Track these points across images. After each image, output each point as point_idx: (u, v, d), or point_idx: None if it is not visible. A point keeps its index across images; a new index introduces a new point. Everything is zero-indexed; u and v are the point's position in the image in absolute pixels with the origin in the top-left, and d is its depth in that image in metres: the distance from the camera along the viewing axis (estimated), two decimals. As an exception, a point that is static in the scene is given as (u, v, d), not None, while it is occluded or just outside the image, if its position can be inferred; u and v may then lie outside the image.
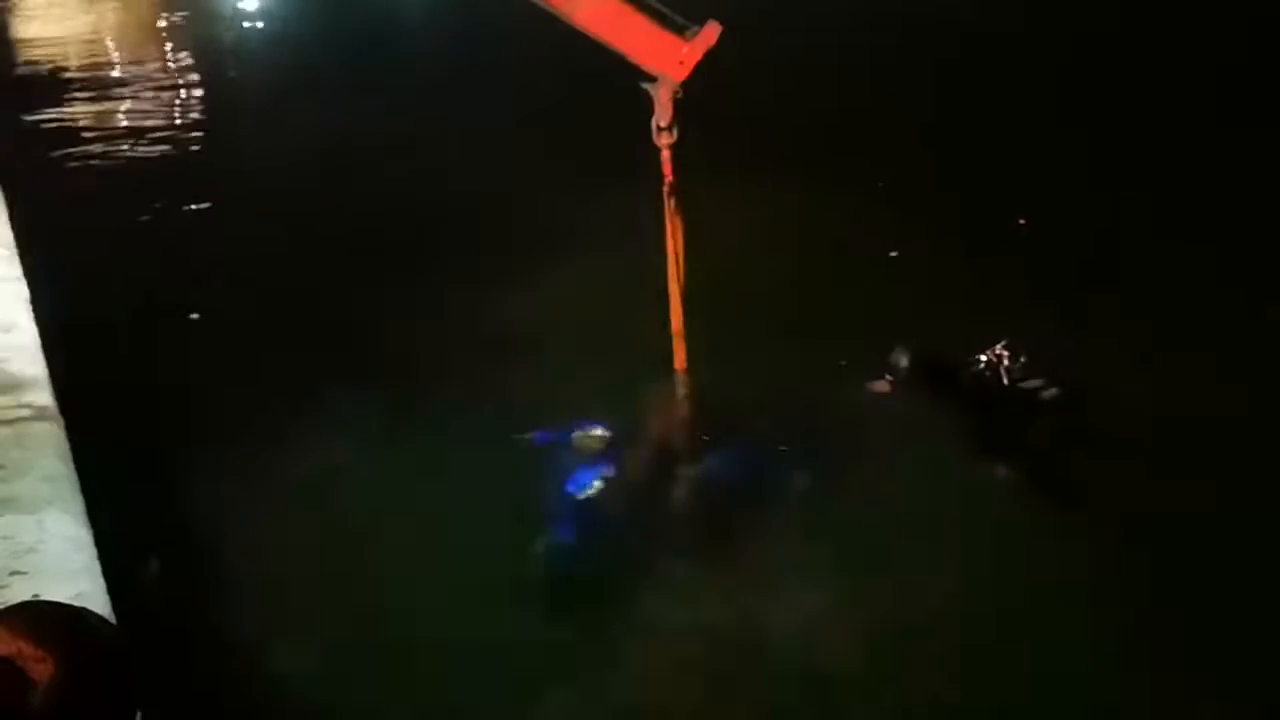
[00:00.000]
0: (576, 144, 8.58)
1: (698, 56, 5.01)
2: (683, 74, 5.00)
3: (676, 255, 5.30)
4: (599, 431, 5.40)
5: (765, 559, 4.76)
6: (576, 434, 5.40)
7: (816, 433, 5.47)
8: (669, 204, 5.20)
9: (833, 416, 5.55)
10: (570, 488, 5.13)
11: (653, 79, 5.01)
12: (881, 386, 5.42)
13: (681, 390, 5.68)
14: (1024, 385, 5.30)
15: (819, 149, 8.60)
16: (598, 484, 5.13)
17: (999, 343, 5.36)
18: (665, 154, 5.09)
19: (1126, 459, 5.15)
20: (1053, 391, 5.28)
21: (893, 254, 7.21)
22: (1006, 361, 5.31)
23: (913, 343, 5.42)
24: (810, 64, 10.30)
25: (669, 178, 5.15)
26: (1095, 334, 6.15)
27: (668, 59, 4.98)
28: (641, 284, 5.82)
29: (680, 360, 5.55)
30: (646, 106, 5.15)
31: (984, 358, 5.35)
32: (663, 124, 5.03)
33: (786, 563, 4.72)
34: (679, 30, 5.02)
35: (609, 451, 5.33)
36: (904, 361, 5.35)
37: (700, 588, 4.64)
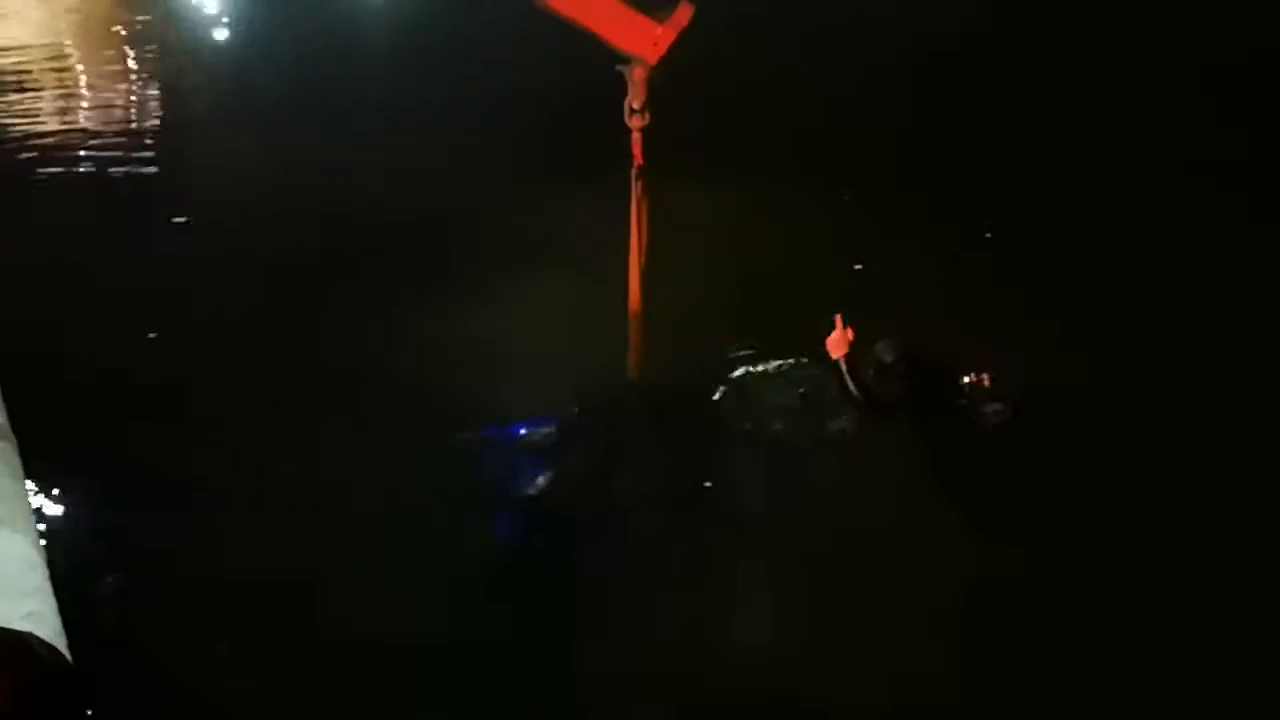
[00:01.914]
0: (544, 152, 8.64)
1: (671, 38, 5.00)
2: (656, 55, 4.99)
3: (640, 238, 5.28)
4: (547, 429, 5.48)
5: (711, 556, 4.88)
6: (525, 431, 5.49)
7: (767, 435, 5.61)
8: (637, 186, 5.19)
9: (783, 421, 5.68)
10: (518, 484, 5.23)
11: (627, 61, 5.00)
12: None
13: (633, 388, 5.72)
14: (984, 408, 5.39)
15: (786, 157, 8.63)
16: (545, 480, 5.23)
17: (985, 372, 5.43)
18: (636, 136, 5.09)
19: (1069, 480, 5.26)
20: (1005, 414, 5.38)
21: (857, 267, 7.25)
22: (986, 386, 5.39)
23: (899, 341, 5.47)
24: (788, 69, 10.30)
25: (639, 160, 5.14)
26: (1057, 352, 6.18)
27: (641, 40, 4.97)
28: (601, 293, 5.91)
29: (635, 342, 5.54)
30: (620, 95, 5.10)
31: (968, 379, 5.41)
32: (636, 106, 5.02)
33: (733, 560, 4.85)
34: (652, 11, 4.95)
35: (557, 448, 5.42)
36: (889, 357, 5.37)
37: (647, 584, 4.74)
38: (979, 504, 5.19)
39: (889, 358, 5.37)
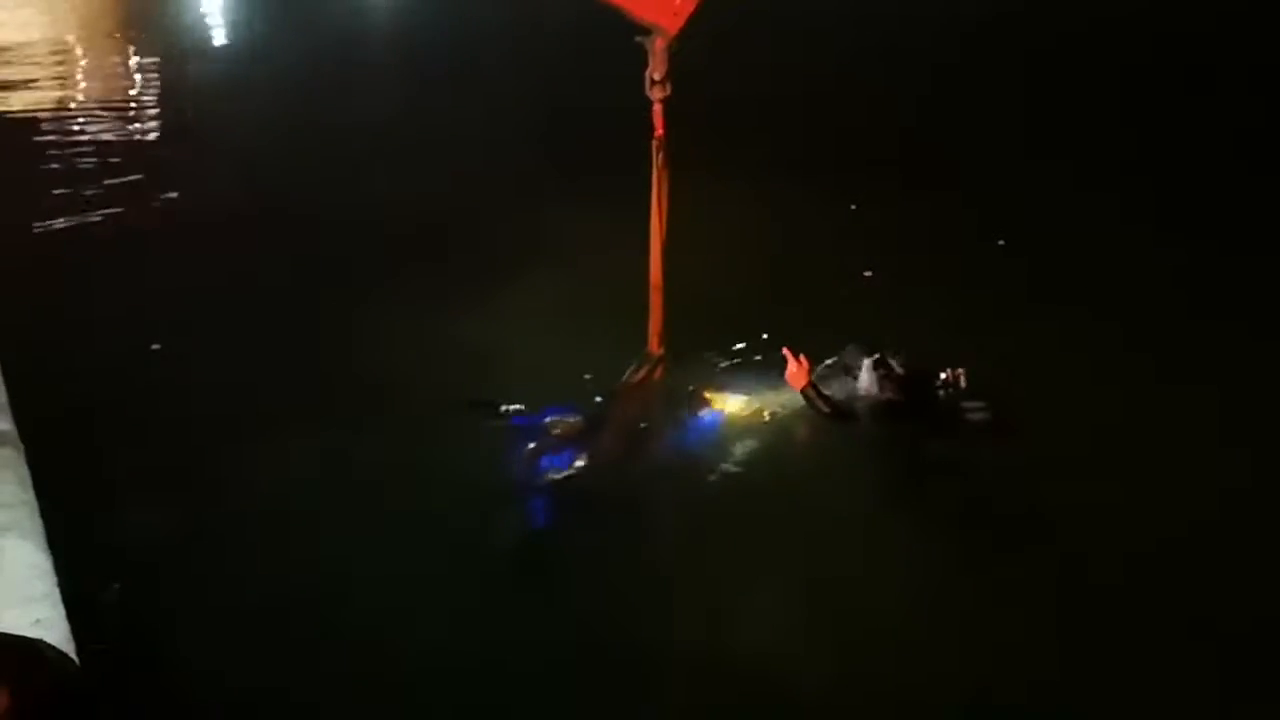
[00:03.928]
0: (550, 157, 8.75)
1: (691, 8, 4.95)
2: (677, 25, 4.93)
3: (660, 209, 5.27)
4: (572, 416, 5.55)
5: (727, 543, 4.94)
6: (550, 419, 5.54)
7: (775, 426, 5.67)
8: (657, 158, 5.17)
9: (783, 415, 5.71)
10: (544, 471, 5.26)
11: (647, 32, 4.93)
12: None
13: (653, 367, 5.71)
14: (965, 406, 5.45)
15: (801, 162, 8.68)
16: (572, 467, 5.28)
17: (959, 368, 5.49)
18: (657, 107, 5.06)
19: (1046, 487, 5.23)
20: (985, 415, 5.43)
21: (867, 273, 7.27)
22: (962, 384, 5.45)
23: (867, 344, 5.54)
24: (801, 78, 10.32)
25: (659, 131, 5.10)
26: (1055, 361, 6.16)
27: (661, 10, 4.91)
28: (612, 292, 6.02)
29: (656, 315, 5.54)
30: (639, 68, 5.04)
31: (943, 375, 5.48)
32: (656, 77, 4.96)
33: (748, 548, 4.91)
34: (673, -19, 4.88)
35: (582, 435, 5.47)
36: (860, 360, 5.44)
37: (672, 570, 4.79)
38: (961, 501, 5.18)
39: (860, 363, 5.45)
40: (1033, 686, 4.21)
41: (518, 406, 5.59)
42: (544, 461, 5.28)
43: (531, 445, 5.37)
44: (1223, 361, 6.15)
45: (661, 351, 5.63)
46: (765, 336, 6.18)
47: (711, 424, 5.69)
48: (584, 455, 5.31)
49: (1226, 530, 4.94)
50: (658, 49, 4.89)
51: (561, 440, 5.41)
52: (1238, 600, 4.56)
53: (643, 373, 5.66)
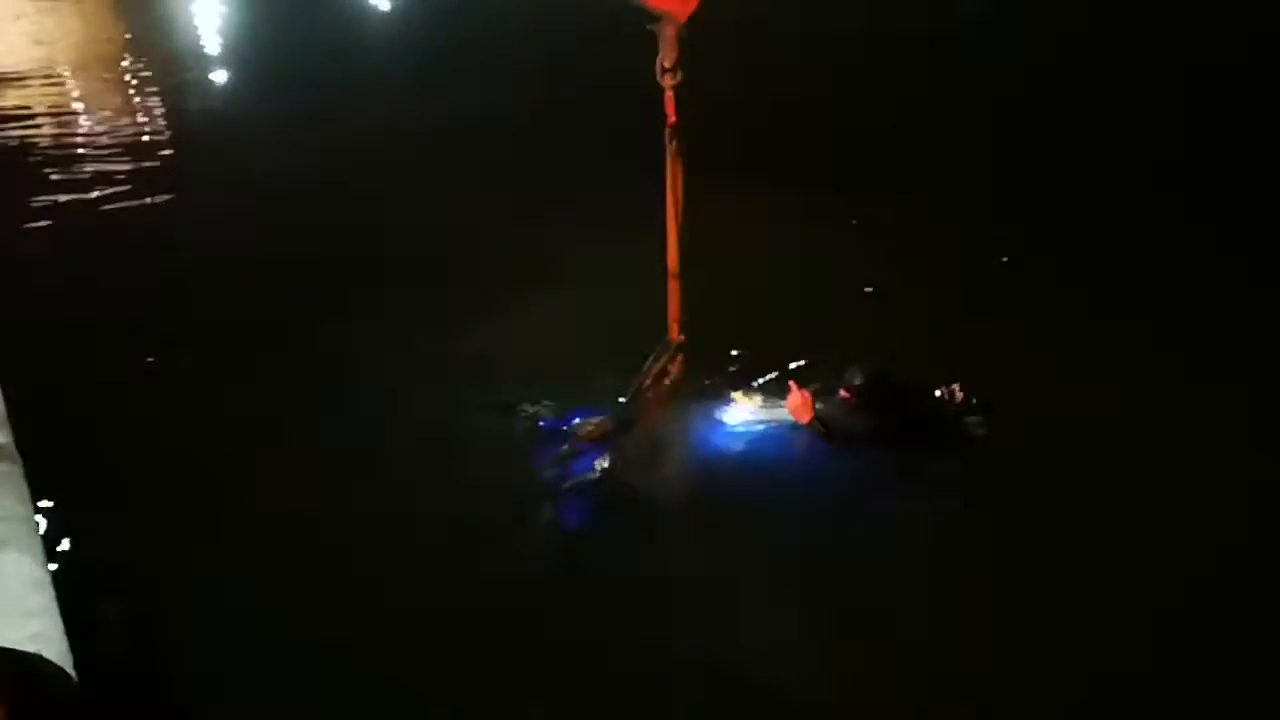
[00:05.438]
0: (546, 175, 8.73)
1: None
2: (686, 12, 4.87)
3: (676, 196, 5.25)
4: (598, 418, 5.58)
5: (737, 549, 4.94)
6: (577, 420, 5.59)
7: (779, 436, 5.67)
8: (671, 146, 5.14)
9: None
10: (571, 473, 5.29)
11: (658, 19, 4.87)
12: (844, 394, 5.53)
13: (673, 355, 5.70)
14: (965, 421, 5.47)
15: (801, 175, 8.70)
16: (598, 468, 5.31)
17: (956, 382, 5.52)
18: (669, 94, 5.02)
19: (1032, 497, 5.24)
20: (983, 429, 5.45)
21: (868, 289, 7.26)
22: (958, 397, 5.48)
23: (869, 364, 5.46)
24: (800, 86, 10.32)
25: (672, 118, 5.06)
26: (1054, 376, 6.14)
27: None
28: (623, 292, 6.03)
29: (674, 307, 5.54)
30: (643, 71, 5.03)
31: (939, 392, 5.51)
32: (668, 64, 4.92)
33: (755, 555, 4.92)
34: (683, -32, 4.83)
35: (608, 437, 5.50)
36: (858, 379, 5.39)
37: (698, 569, 4.82)
38: (962, 514, 5.17)
39: (857, 380, 5.42)
40: (1032, 693, 4.20)
41: (545, 406, 5.61)
42: (571, 464, 5.28)
43: (558, 448, 5.37)
44: (1223, 372, 6.14)
45: (681, 339, 5.60)
46: (768, 350, 6.17)
47: (725, 433, 5.67)
48: (610, 458, 5.31)
49: (1227, 545, 4.90)
50: (669, 36, 4.84)
51: (588, 443, 5.41)
52: (1242, 614, 4.54)
53: (663, 361, 5.63)
